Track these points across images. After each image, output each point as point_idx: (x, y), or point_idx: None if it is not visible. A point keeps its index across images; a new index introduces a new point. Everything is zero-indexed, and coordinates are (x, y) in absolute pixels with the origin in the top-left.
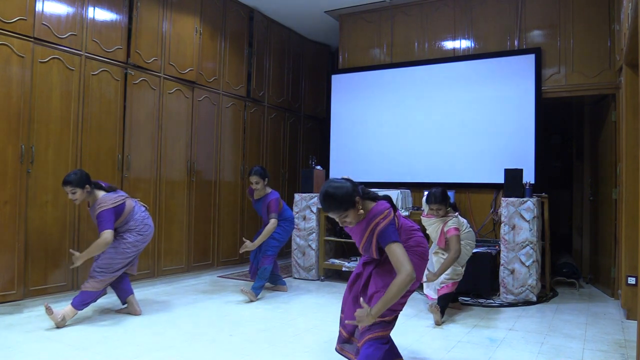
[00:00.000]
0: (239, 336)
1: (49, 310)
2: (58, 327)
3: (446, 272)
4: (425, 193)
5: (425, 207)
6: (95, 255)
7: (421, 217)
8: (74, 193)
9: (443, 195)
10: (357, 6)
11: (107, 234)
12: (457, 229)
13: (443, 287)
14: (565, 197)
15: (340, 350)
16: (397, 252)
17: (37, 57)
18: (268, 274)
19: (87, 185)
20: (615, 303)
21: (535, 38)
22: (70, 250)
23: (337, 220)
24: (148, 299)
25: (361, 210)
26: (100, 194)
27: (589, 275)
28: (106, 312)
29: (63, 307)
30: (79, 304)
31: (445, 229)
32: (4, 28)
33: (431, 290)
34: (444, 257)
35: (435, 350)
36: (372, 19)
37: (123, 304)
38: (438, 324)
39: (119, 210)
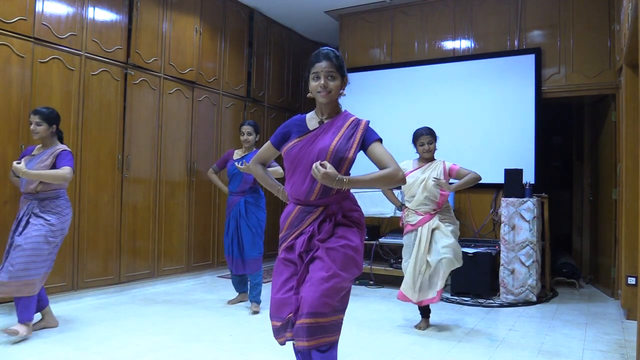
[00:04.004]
0: (239, 336)
1: (14, 332)
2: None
3: (442, 277)
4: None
5: (404, 165)
6: (45, 180)
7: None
8: (39, 125)
9: (431, 129)
10: (357, 6)
11: (69, 170)
12: (458, 165)
13: (437, 296)
14: (565, 197)
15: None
16: (385, 150)
17: (37, 57)
18: (261, 277)
19: (54, 125)
20: (615, 303)
21: (535, 38)
22: (15, 163)
23: (320, 77)
24: (148, 299)
25: (344, 92)
26: (59, 143)
27: (589, 275)
28: (105, 312)
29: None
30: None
31: (447, 168)
32: (4, 28)
33: (412, 291)
34: (449, 229)
35: (435, 350)
36: (372, 19)
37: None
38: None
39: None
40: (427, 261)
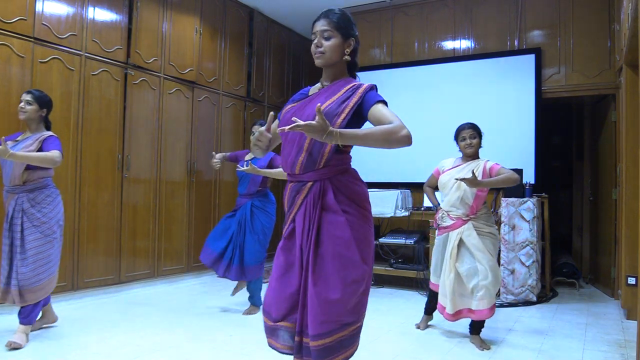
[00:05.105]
0: (239, 336)
1: (15, 344)
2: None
3: (486, 281)
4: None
5: (445, 162)
6: (33, 162)
7: (440, 178)
8: (29, 104)
9: (474, 124)
10: (357, 6)
11: (58, 154)
12: (499, 164)
13: (483, 310)
14: (565, 197)
15: None
16: (389, 110)
17: (37, 57)
18: (261, 283)
19: (45, 110)
20: (615, 303)
21: (535, 38)
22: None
23: (316, 37)
24: (148, 299)
25: (348, 56)
26: (45, 131)
27: (589, 275)
28: (105, 312)
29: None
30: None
31: (488, 168)
32: (4, 28)
33: (444, 298)
34: (489, 234)
35: (435, 350)
36: (372, 19)
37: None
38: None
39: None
40: (457, 271)
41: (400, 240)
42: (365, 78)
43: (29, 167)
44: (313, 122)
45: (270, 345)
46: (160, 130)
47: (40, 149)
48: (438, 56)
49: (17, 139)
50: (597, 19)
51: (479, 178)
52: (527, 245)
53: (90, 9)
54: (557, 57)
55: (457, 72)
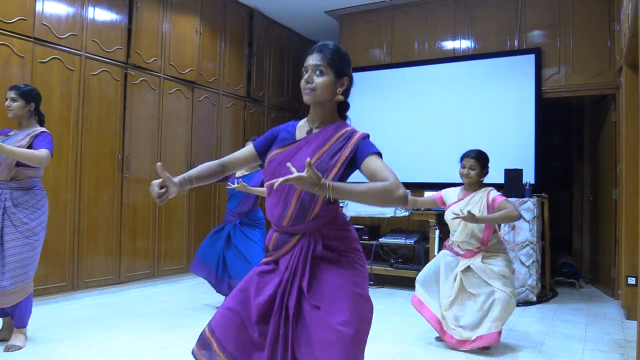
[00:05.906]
0: None
1: (14, 347)
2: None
3: (497, 308)
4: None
5: (449, 193)
6: (19, 158)
7: (446, 214)
8: (14, 101)
9: (481, 154)
10: (357, 6)
11: (47, 154)
12: (503, 196)
13: (491, 334)
14: (565, 197)
15: None
16: (383, 163)
17: (37, 57)
18: None
19: (33, 104)
20: (615, 303)
21: (535, 38)
22: None
23: (307, 72)
24: (148, 299)
25: (340, 96)
26: (38, 126)
27: (589, 275)
28: (105, 312)
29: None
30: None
31: (490, 199)
32: (4, 28)
33: (452, 325)
34: (499, 261)
35: (435, 350)
36: (372, 19)
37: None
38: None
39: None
40: (460, 297)
41: (400, 240)
42: (365, 78)
43: (19, 164)
44: (304, 174)
45: (195, 356)
46: (160, 130)
47: (30, 145)
48: (438, 56)
49: (9, 134)
50: (597, 19)
51: (484, 211)
52: (527, 245)
53: (90, 9)
54: (557, 57)
55: (457, 72)
